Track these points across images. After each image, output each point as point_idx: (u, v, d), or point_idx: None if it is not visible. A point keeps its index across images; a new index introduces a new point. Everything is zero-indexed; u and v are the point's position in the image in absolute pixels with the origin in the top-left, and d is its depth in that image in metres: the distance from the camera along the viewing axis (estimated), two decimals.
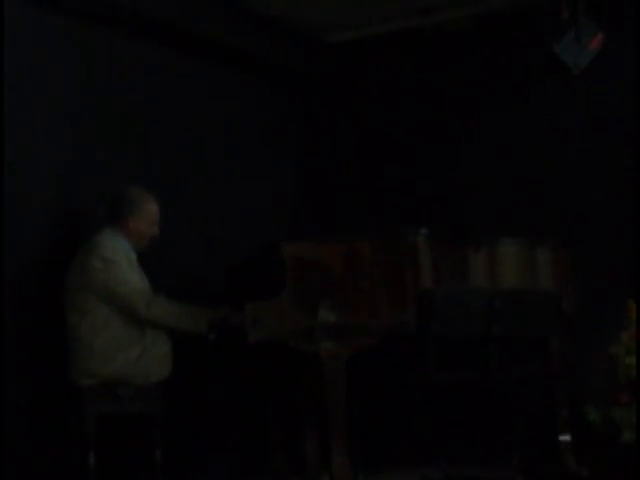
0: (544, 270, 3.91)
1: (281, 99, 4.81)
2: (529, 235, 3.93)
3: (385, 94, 4.74)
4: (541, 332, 3.81)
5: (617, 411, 3.41)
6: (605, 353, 3.51)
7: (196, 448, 3.85)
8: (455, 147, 4.57)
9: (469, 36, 4.41)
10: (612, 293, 3.89)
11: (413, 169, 4.65)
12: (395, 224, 4.13)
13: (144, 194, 3.54)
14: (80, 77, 3.82)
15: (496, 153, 4.46)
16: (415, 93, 4.65)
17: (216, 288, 3.81)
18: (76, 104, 3.79)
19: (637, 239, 3.97)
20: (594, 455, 3.51)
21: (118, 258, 3.38)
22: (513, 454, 3.83)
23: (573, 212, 4.19)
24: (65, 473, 3.45)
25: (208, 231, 4.26)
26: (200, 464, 3.82)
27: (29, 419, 3.49)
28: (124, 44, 4.00)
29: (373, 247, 3.48)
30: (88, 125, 3.84)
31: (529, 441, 4.03)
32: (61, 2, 3.67)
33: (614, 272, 4.01)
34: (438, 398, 3.86)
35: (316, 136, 4.89)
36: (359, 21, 4.54)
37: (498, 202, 4.39)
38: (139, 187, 3.57)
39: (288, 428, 3.94)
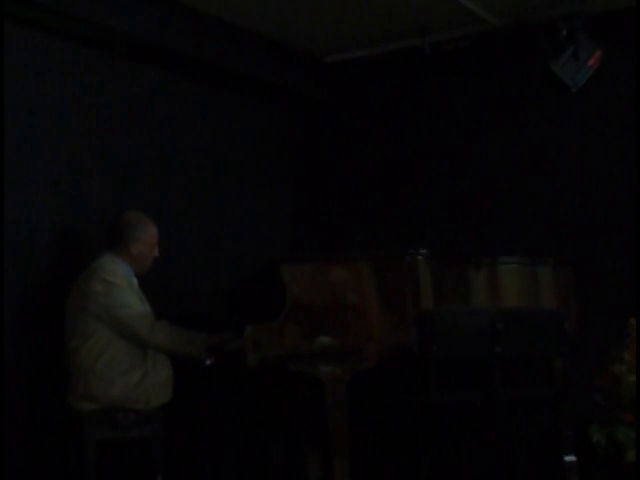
0: (546, 289, 3.93)
1: (279, 119, 4.87)
2: (530, 254, 3.97)
3: (384, 113, 4.80)
4: (544, 352, 3.80)
5: (621, 430, 3.43)
6: (608, 372, 3.51)
7: (197, 474, 3.87)
8: (454, 166, 4.62)
9: (467, 55, 4.46)
10: (614, 311, 3.92)
11: (412, 188, 4.69)
12: (395, 243, 4.18)
13: (142, 217, 3.60)
14: (79, 98, 3.84)
15: (495, 171, 4.50)
16: (414, 112, 4.70)
17: (216, 311, 3.84)
18: (75, 127, 3.81)
19: (638, 256, 3.96)
20: (599, 476, 3.51)
21: (119, 281, 3.42)
22: (517, 476, 3.89)
23: (574, 230, 4.22)
24: None
25: (207, 253, 4.29)
26: None
27: (27, 445, 3.50)
28: (123, 66, 4.05)
29: (372, 267, 3.48)
30: (87, 148, 3.87)
31: (533, 462, 4.03)
32: (59, 27, 3.71)
33: (616, 290, 4.03)
34: (440, 420, 3.84)
35: (315, 156, 4.93)
36: (357, 41, 4.57)
37: (498, 220, 4.41)
38: (137, 211, 3.61)
39: (289, 452, 3.95)
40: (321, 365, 3.41)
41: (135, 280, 3.53)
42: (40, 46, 3.67)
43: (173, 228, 3.99)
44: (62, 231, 3.73)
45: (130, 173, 4.06)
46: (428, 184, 4.67)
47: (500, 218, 4.41)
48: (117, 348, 3.37)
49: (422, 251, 3.54)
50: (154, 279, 3.61)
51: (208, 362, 3.48)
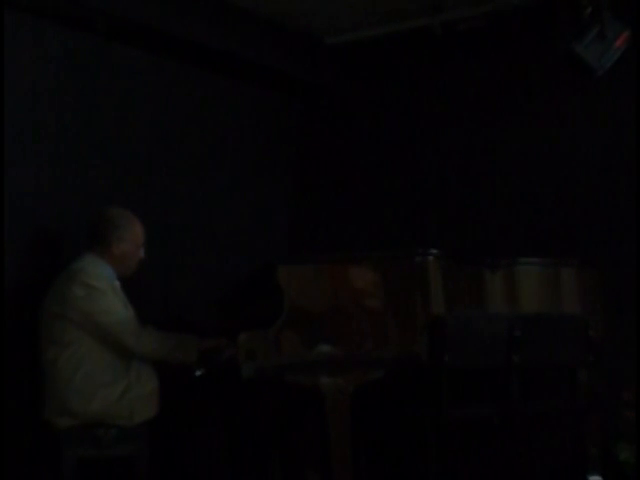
0: (569, 292, 3.87)
1: (275, 106, 4.77)
2: (551, 254, 3.89)
3: (390, 99, 4.70)
4: (567, 361, 3.74)
5: None
6: (637, 384, 3.52)
7: None
8: (466, 157, 4.51)
9: (482, 35, 4.33)
10: None
11: (421, 181, 4.60)
12: (402, 243, 4.13)
13: (127, 215, 3.51)
14: (58, 87, 3.77)
15: (512, 163, 4.39)
16: (422, 99, 4.60)
17: (206, 317, 3.80)
18: (50, 115, 3.72)
19: None
20: None
21: (102, 285, 3.35)
22: None
23: (599, 228, 4.12)
24: None
25: (196, 253, 4.22)
26: None
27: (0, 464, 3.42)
28: (106, 48, 3.94)
29: (378, 268, 3.44)
30: (64, 138, 3.78)
31: None
32: (38, 6, 3.60)
33: None
34: (453, 436, 3.83)
35: (314, 146, 4.85)
36: (360, 21, 4.49)
37: (516, 217, 4.32)
38: (121, 207, 3.53)
39: (288, 470, 3.90)
40: (322, 376, 3.37)
41: (118, 283, 3.45)
42: (12, 25, 3.55)
43: (159, 226, 3.90)
44: (37, 229, 3.64)
45: (112, 165, 3.96)
46: (438, 177, 4.55)
47: (518, 215, 4.31)
48: (98, 358, 3.30)
49: (433, 251, 3.48)
50: (139, 282, 3.54)
51: (198, 373, 3.43)
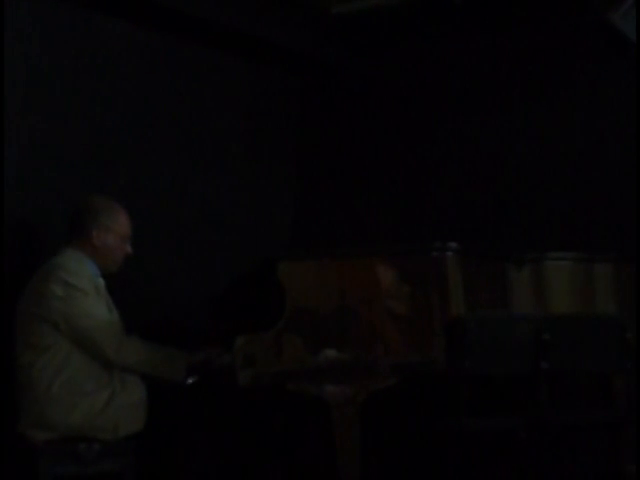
0: (604, 291, 3.81)
1: (276, 83, 4.70)
2: (584, 248, 3.83)
3: (403, 76, 4.61)
4: (601, 368, 3.63)
5: None
6: None
7: None
8: (486, 140, 4.42)
9: (506, 4, 4.24)
10: None
11: (437, 169, 4.53)
12: (416, 236, 4.08)
13: (110, 203, 3.45)
14: (31, 57, 3.70)
15: (538, 147, 4.30)
16: (439, 75, 4.51)
17: (200, 319, 3.75)
18: (21, 92, 3.65)
19: None
20: None
21: (83, 284, 3.29)
22: None
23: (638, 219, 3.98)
24: None
25: (188, 248, 4.18)
26: None
27: None
28: (88, 19, 3.88)
29: (390, 264, 3.40)
30: (39, 119, 3.69)
31: None
32: None
33: None
34: (473, 451, 3.78)
35: (320, 128, 4.76)
36: None
37: (544, 207, 4.24)
38: (105, 196, 3.48)
39: None
40: (328, 384, 3.33)
41: (102, 281, 3.39)
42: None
43: (148, 218, 3.85)
44: (13, 222, 3.59)
45: (93, 150, 3.89)
46: (456, 162, 4.47)
47: (546, 204, 4.23)
48: (79, 364, 3.26)
49: (452, 245, 3.42)
50: (125, 281, 3.49)
51: (190, 381, 3.38)
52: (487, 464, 3.99)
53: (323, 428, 3.43)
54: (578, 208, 4.18)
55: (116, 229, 3.40)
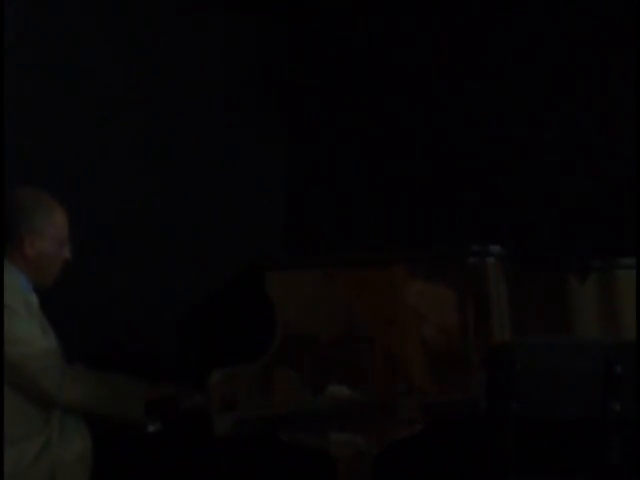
0: None
1: (265, 34, 4.67)
2: None
3: (424, 27, 4.51)
4: None
5: None
6: None
7: None
8: (532, 124, 4.37)
9: None
10: None
11: (471, 154, 4.42)
12: (444, 239, 4.04)
13: (42, 197, 3.38)
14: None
15: (596, 135, 4.31)
16: (465, 42, 4.45)
17: (165, 345, 3.74)
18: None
19: None
20: None
21: (12, 302, 3.26)
22: None
23: None
24: None
25: (154, 252, 4.18)
26: None
27: None
28: None
29: (415, 274, 3.35)
30: None
31: None
32: None
33: None
34: None
35: (319, 92, 4.68)
36: None
37: (611, 203, 4.22)
38: (34, 188, 3.41)
39: None
40: (333, 433, 3.29)
41: (35, 298, 3.34)
42: None
43: (97, 212, 3.86)
44: None
45: (33, 130, 3.91)
46: (492, 143, 4.39)
47: (611, 206, 4.21)
48: (5, 402, 3.19)
49: (494, 249, 3.35)
50: (65, 295, 3.47)
51: (152, 429, 3.34)
52: None
53: None
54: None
55: (51, 232, 3.37)
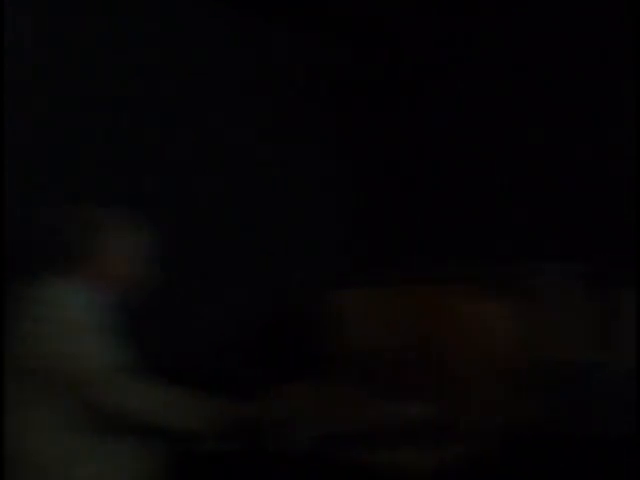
0: None
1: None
2: None
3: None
4: None
5: None
6: None
7: None
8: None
9: None
10: None
11: (558, 153, 4.04)
12: (525, 253, 3.86)
13: (117, 219, 3.38)
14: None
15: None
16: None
17: (226, 362, 3.74)
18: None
19: None
20: None
21: (79, 322, 3.27)
22: None
23: None
24: None
25: (221, 272, 4.12)
26: None
27: None
28: None
29: (490, 292, 3.35)
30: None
31: None
32: None
33: None
34: None
35: (372, 85, 4.45)
36: None
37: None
38: (108, 209, 3.36)
39: None
40: (403, 451, 3.24)
41: (100, 314, 3.30)
42: None
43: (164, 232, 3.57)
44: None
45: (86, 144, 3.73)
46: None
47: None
48: (56, 423, 3.15)
49: (562, 267, 3.39)
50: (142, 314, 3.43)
51: (210, 445, 3.28)
52: None
53: None
54: None
55: (123, 252, 3.45)
